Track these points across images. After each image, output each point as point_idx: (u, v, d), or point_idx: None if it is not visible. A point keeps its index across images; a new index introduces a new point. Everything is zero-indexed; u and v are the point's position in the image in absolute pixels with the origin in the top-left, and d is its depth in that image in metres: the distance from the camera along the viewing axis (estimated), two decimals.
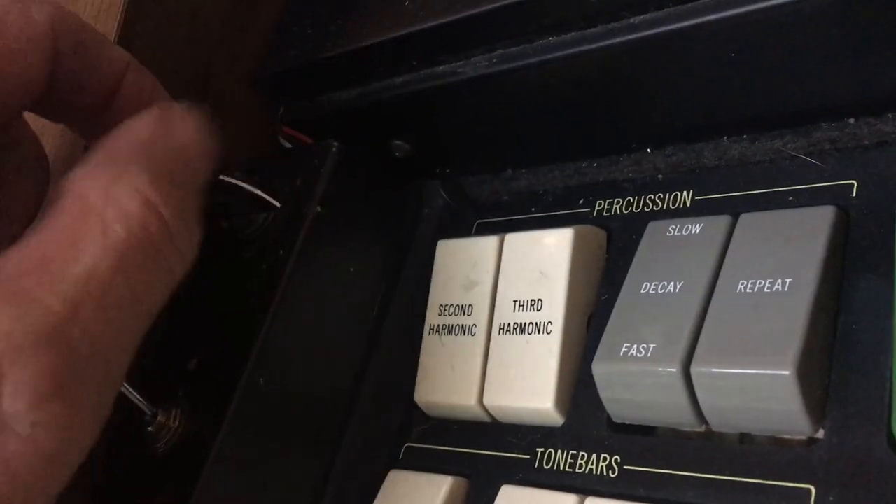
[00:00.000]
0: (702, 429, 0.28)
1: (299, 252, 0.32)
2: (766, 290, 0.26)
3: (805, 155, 0.29)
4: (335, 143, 0.33)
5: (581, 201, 0.34)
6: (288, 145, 0.39)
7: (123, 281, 0.23)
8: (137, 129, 0.27)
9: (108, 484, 0.34)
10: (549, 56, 0.30)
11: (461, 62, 0.32)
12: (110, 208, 0.23)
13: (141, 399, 0.31)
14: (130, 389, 0.31)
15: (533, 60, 0.30)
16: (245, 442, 0.30)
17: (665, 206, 0.31)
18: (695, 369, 0.26)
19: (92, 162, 0.25)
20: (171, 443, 0.31)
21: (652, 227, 0.30)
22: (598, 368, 0.28)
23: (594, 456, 0.28)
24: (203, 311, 0.34)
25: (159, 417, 0.31)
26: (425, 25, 0.31)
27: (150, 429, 0.31)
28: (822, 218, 0.27)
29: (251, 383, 0.30)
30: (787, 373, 0.24)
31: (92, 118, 0.30)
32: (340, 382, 0.34)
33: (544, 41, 0.30)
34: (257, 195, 0.33)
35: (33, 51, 0.26)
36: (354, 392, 0.34)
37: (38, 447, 0.21)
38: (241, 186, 0.33)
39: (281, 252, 0.32)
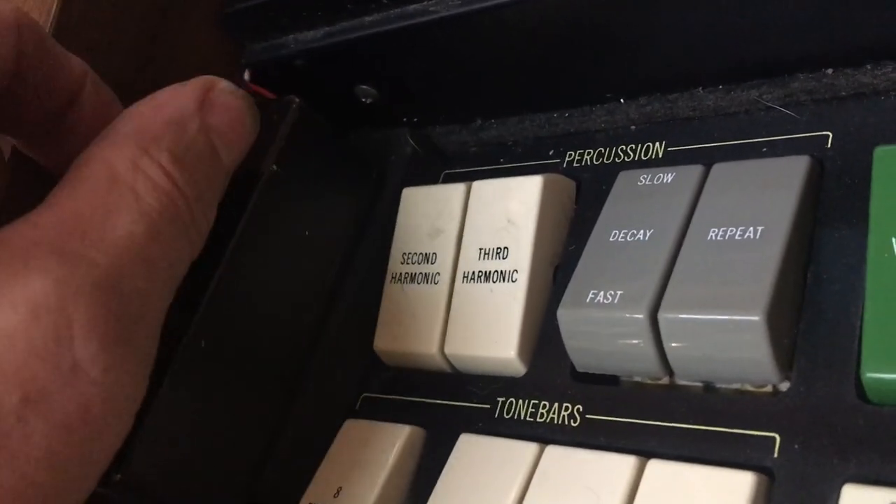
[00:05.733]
0: (666, 380, 0.27)
1: (251, 212, 0.30)
2: (737, 237, 0.25)
3: (781, 106, 0.28)
4: (296, 100, 0.32)
5: (551, 152, 0.33)
6: None
7: (157, 247, 0.24)
8: (172, 105, 0.27)
9: None
10: None
11: (433, 0, 0.31)
12: (140, 180, 0.24)
13: None
14: None
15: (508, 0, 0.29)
16: (185, 402, 0.29)
17: (637, 157, 0.31)
18: (662, 315, 0.25)
19: (120, 133, 0.26)
20: None
21: (623, 176, 0.30)
22: (564, 315, 0.27)
23: (556, 405, 0.28)
24: None
25: None
26: None
27: None
28: (796, 167, 0.26)
29: (192, 346, 0.29)
30: (756, 318, 0.23)
31: (44, 131, 0.29)
32: (297, 338, 0.33)
33: None
34: None
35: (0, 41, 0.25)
36: (312, 346, 0.33)
37: (110, 391, 0.23)
38: None
39: (232, 212, 0.30)
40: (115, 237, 0.23)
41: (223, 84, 0.28)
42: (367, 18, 0.33)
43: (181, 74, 0.38)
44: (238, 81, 0.38)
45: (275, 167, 0.31)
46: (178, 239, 0.25)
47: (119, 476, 0.27)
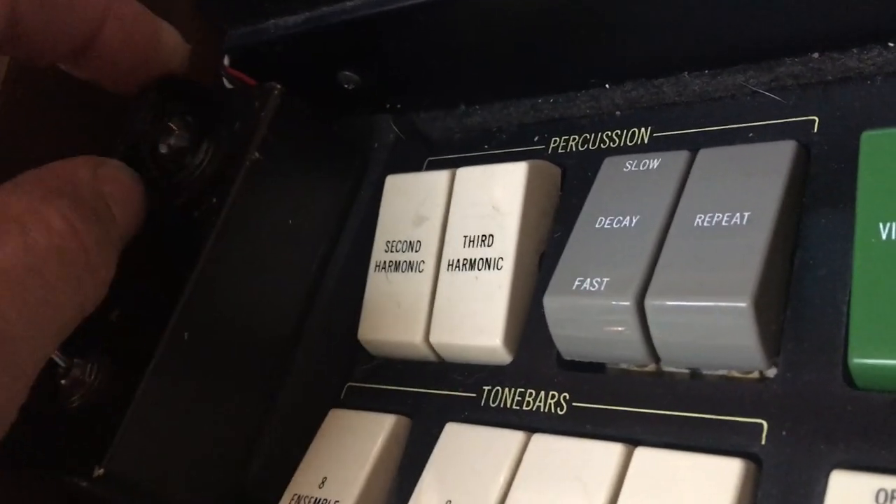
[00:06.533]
0: (652, 367, 0.27)
1: (234, 200, 0.30)
2: (723, 223, 0.25)
3: (767, 91, 0.28)
4: (277, 86, 0.31)
5: (536, 138, 0.33)
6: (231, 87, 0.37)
7: (39, 282, 0.24)
8: (68, 169, 0.27)
9: (14, 438, 0.31)
10: None
11: None
12: (33, 219, 0.24)
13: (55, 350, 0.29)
14: None
15: None
16: (168, 395, 0.28)
17: (622, 143, 0.31)
18: (649, 302, 0.25)
19: (22, 182, 0.26)
20: (86, 397, 0.29)
21: (608, 162, 0.29)
22: (550, 303, 0.27)
23: (542, 393, 0.28)
24: (130, 259, 0.32)
25: (74, 370, 0.29)
26: None
27: (63, 382, 0.29)
28: (782, 153, 0.26)
29: (175, 338, 0.28)
30: (743, 304, 0.23)
31: (72, 58, 0.30)
32: (280, 328, 0.32)
33: None
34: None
35: None
36: (295, 336, 0.33)
37: None
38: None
39: (214, 200, 0.30)
40: None
41: (113, 161, 0.29)
42: (349, 3, 0.32)
43: None
44: (218, 67, 0.37)
45: (256, 155, 0.30)
46: (67, 281, 0.25)
47: (101, 470, 0.27)
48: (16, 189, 0.26)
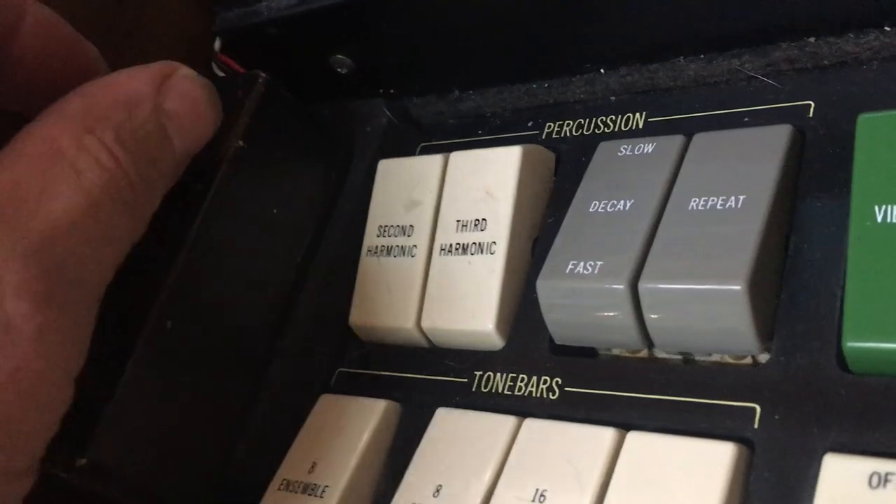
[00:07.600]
0: (645, 353, 0.27)
1: (217, 189, 0.30)
2: (718, 207, 0.25)
3: (762, 75, 0.28)
4: (262, 74, 0.31)
5: (530, 124, 0.33)
6: (221, 74, 0.37)
7: (95, 222, 0.24)
8: (126, 86, 0.26)
9: None
10: None
11: None
12: (83, 156, 0.24)
13: None
14: None
15: None
16: (151, 383, 0.28)
17: (617, 129, 0.30)
18: (643, 286, 0.25)
19: (66, 111, 0.25)
20: None
21: (603, 147, 0.29)
22: (543, 286, 0.27)
23: (534, 378, 0.27)
24: None
25: None
26: None
27: None
28: (777, 137, 0.26)
29: (157, 327, 0.28)
30: (738, 288, 0.23)
31: None
32: (266, 316, 0.32)
33: None
34: None
35: None
36: (283, 321, 0.32)
37: (44, 350, 0.22)
38: None
39: (198, 187, 0.30)
40: (52, 209, 0.23)
41: (184, 70, 0.28)
42: None
43: (151, 44, 0.37)
44: (209, 51, 0.37)
45: (240, 143, 0.30)
46: (119, 216, 0.25)
47: (84, 460, 0.26)
48: (60, 118, 0.25)
